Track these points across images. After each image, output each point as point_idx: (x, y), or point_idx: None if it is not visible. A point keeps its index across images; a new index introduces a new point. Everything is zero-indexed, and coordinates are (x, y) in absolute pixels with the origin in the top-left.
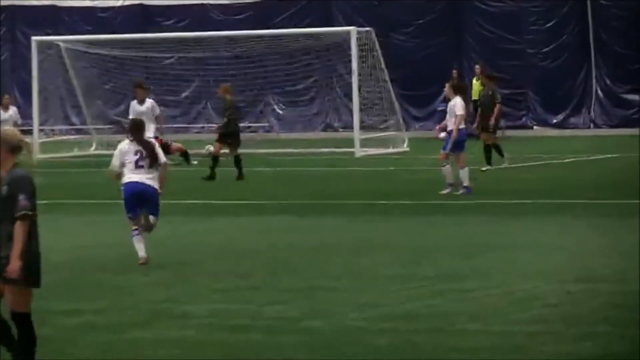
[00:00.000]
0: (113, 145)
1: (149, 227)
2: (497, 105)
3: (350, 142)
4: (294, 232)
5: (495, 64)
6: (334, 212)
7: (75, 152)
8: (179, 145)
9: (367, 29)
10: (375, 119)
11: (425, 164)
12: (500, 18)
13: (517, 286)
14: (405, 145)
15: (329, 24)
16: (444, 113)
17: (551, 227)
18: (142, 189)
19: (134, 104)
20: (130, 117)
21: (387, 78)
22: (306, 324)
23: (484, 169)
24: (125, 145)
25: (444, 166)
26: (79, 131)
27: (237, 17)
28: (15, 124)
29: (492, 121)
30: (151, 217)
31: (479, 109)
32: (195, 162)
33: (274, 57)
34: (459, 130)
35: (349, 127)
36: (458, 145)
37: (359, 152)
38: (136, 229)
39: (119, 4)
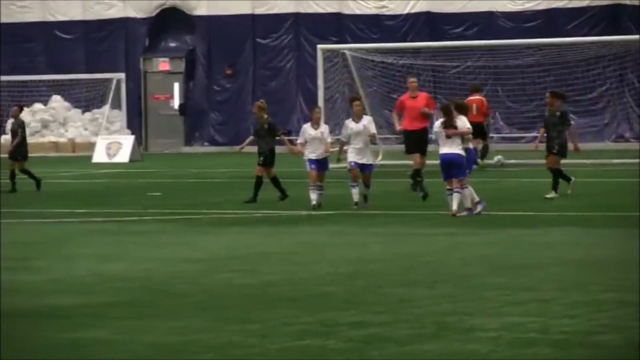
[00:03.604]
0: (397, 156)
1: (462, 184)
2: (569, 127)
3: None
4: (578, 245)
5: None
6: (617, 224)
7: None
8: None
9: None
10: None
11: None
12: None
13: None
14: None
15: (619, 32)
16: None
17: None
18: (450, 157)
19: (307, 127)
20: (299, 141)
21: None
22: (597, 338)
23: (548, 196)
24: (440, 123)
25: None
26: None
27: (525, 24)
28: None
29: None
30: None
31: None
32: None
33: (563, 66)
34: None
35: None
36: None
37: None
38: (450, 189)
39: (405, 11)
